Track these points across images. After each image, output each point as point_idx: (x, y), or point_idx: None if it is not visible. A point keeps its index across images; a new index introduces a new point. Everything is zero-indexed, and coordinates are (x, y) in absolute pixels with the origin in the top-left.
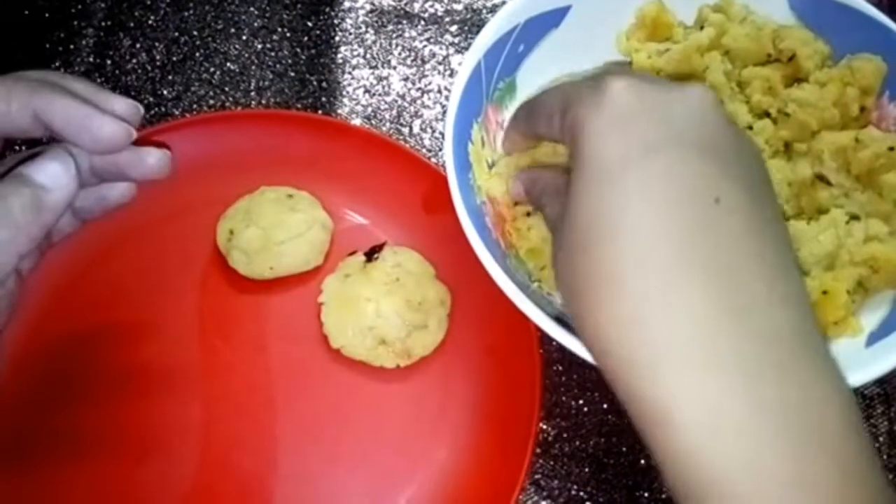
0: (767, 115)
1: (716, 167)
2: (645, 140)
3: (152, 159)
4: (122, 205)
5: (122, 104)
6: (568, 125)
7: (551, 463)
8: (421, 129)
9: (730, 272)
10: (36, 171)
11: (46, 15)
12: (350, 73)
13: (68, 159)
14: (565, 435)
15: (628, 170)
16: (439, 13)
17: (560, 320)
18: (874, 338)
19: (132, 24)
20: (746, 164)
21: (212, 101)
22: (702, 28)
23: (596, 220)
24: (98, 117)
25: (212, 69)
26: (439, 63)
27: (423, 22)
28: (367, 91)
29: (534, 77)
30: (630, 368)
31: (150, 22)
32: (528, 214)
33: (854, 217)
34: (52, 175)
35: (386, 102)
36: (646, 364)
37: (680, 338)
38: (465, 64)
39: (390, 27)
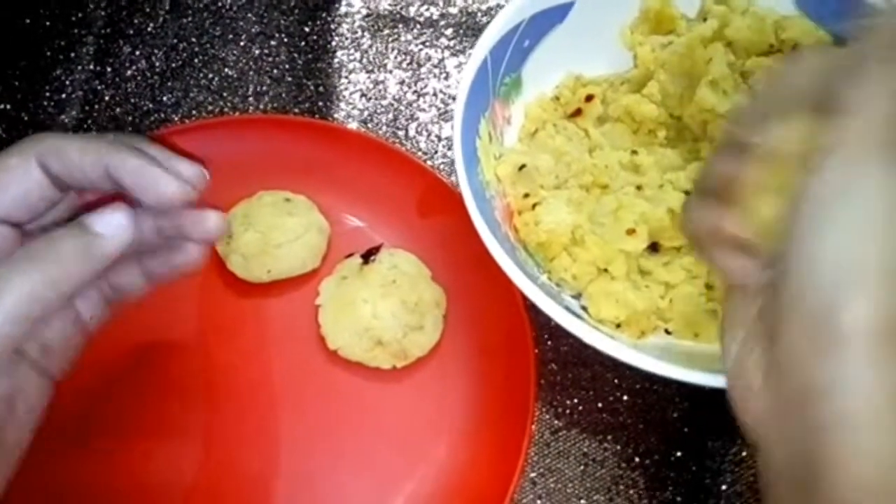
0: None
1: None
2: None
3: (210, 222)
4: (191, 268)
5: (188, 169)
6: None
7: (546, 461)
8: (417, 132)
9: None
10: (95, 221)
11: (47, 23)
12: (346, 77)
13: (128, 214)
14: (560, 433)
15: None
16: (435, 17)
17: (570, 310)
18: None
19: (132, 32)
20: None
21: (210, 107)
22: (705, 20)
23: None
24: (164, 178)
25: (210, 75)
26: (435, 66)
27: (418, 26)
28: (363, 95)
29: (539, 72)
30: None
31: (149, 29)
32: (534, 207)
33: None
34: (110, 225)
35: (382, 106)
36: None
37: None
38: (472, 59)
39: (386, 31)
